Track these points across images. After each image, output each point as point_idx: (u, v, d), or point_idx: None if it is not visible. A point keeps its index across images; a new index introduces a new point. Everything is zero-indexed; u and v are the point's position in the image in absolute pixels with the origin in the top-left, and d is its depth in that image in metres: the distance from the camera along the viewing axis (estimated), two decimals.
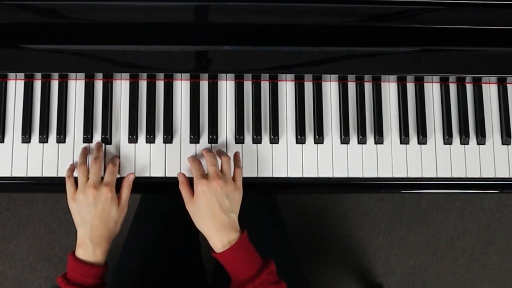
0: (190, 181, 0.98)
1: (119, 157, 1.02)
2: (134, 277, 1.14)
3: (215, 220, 0.93)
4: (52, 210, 1.76)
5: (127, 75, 1.04)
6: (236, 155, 1.01)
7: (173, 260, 1.17)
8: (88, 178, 0.96)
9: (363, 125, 1.05)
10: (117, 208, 0.95)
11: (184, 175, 0.99)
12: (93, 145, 1.02)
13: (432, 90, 1.08)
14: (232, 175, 0.98)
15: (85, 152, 1.01)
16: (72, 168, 1.00)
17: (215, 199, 0.93)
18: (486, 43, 1.04)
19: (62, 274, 0.93)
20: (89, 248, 0.93)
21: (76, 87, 1.04)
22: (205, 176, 0.95)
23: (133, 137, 1.02)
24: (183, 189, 0.97)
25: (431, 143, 1.07)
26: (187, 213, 0.97)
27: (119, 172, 1.01)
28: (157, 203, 1.22)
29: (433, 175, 1.05)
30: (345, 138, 1.05)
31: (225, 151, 1.03)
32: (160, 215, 1.21)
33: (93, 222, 0.93)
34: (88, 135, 1.02)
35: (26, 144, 1.02)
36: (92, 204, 0.93)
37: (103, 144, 1.02)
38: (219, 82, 1.06)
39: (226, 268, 0.94)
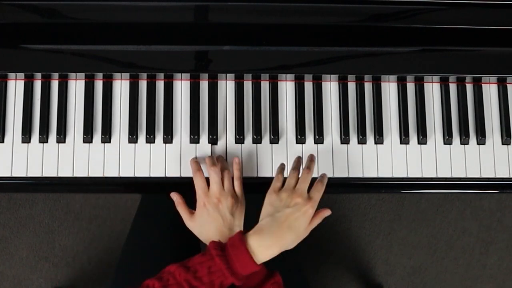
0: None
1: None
2: (134, 277, 1.14)
3: (220, 236, 0.93)
4: (52, 210, 1.76)
5: (127, 75, 1.04)
6: (235, 164, 1.00)
7: (173, 260, 1.17)
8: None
9: (363, 125, 1.05)
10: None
11: (178, 195, 0.99)
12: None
13: (432, 90, 1.08)
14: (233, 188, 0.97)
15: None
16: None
17: (219, 216, 0.94)
18: (486, 43, 1.04)
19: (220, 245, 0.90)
20: (273, 251, 0.90)
21: (76, 87, 1.04)
22: (207, 193, 0.95)
23: (133, 137, 1.02)
24: (181, 209, 0.98)
25: (431, 143, 1.07)
26: None
27: (119, 171, 1.01)
28: (157, 203, 1.22)
29: (433, 175, 1.05)
30: (345, 138, 1.05)
31: (225, 151, 1.03)
32: (160, 215, 1.21)
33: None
34: (88, 135, 1.02)
35: (26, 144, 1.02)
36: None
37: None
38: (219, 82, 1.05)
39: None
